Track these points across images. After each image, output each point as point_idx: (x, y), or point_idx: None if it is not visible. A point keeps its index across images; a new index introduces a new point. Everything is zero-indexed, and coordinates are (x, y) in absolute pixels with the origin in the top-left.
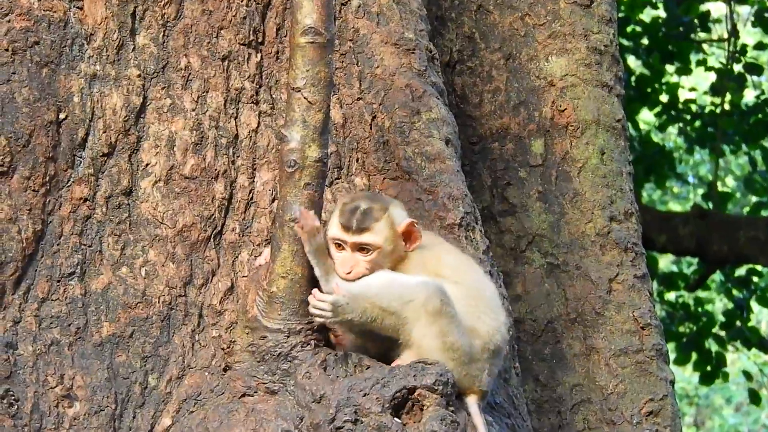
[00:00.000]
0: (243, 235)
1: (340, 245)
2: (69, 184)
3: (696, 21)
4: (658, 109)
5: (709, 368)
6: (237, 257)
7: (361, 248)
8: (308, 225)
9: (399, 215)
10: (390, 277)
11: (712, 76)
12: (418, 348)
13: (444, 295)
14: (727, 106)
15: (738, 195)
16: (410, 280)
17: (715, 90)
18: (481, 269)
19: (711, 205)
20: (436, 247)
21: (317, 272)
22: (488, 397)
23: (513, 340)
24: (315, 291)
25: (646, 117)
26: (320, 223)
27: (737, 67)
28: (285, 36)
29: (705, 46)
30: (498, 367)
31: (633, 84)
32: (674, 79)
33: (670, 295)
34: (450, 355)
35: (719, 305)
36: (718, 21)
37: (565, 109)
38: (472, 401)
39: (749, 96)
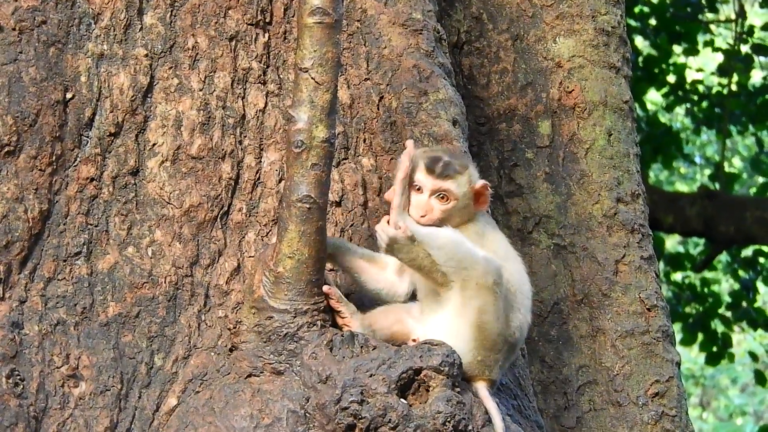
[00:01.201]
0: (250, 216)
1: (419, 189)
2: (76, 164)
3: (703, 1)
4: (665, 89)
5: (715, 349)
6: (244, 237)
7: (440, 195)
8: (406, 156)
9: (475, 175)
10: (459, 239)
11: (720, 57)
12: (455, 315)
13: (500, 278)
14: (734, 87)
15: (745, 176)
16: (476, 250)
17: (722, 71)
18: (524, 266)
19: (718, 186)
20: (493, 230)
21: (395, 202)
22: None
23: None
24: (383, 221)
25: (654, 97)
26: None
27: (744, 48)
28: (293, 16)
29: (712, 26)
30: (510, 361)
31: (640, 64)
32: (681, 59)
33: (677, 276)
34: (477, 334)
35: (725, 286)
36: (725, 1)
37: (573, 90)
38: (481, 386)
39: (756, 77)
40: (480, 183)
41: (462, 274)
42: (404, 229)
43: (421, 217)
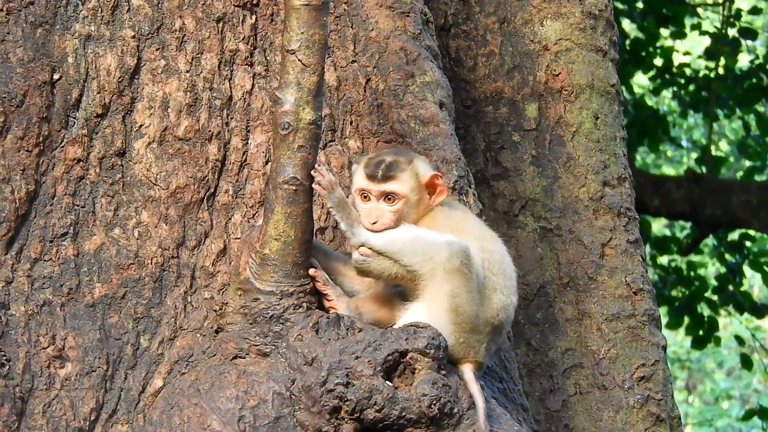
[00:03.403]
0: (236, 197)
1: (366, 196)
2: (62, 145)
3: None
4: (652, 72)
5: (701, 332)
6: (230, 219)
7: (387, 197)
8: (325, 180)
9: (423, 168)
10: (416, 233)
11: (707, 40)
12: (427, 304)
13: (466, 257)
14: (721, 71)
15: (731, 159)
16: (436, 237)
17: (709, 54)
18: (504, 247)
19: (704, 169)
20: (463, 212)
21: (342, 226)
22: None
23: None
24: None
25: (641, 81)
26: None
27: (732, 32)
28: None
29: (700, 10)
30: (497, 344)
31: (627, 48)
32: (669, 42)
33: (663, 259)
34: (453, 318)
35: (712, 269)
36: None
37: (560, 73)
38: (467, 369)
39: (743, 60)
40: (429, 175)
41: (429, 264)
42: (363, 249)
43: (373, 224)
